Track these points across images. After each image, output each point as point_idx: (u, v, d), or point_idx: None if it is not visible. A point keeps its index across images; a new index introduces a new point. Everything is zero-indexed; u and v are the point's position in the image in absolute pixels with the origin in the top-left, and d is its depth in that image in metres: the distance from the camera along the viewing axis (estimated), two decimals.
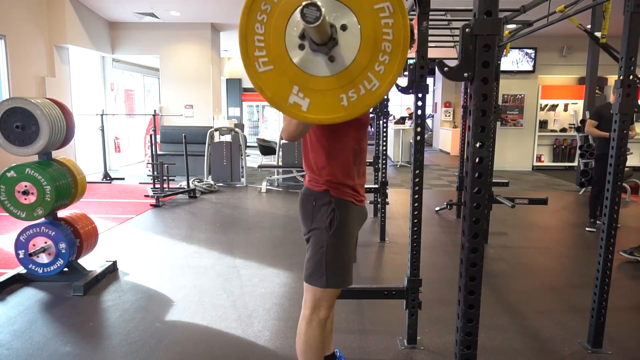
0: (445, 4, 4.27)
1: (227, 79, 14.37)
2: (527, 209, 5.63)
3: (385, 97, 4.15)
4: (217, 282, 3.31)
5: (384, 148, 4.57)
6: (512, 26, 4.59)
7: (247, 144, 8.55)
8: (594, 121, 4.79)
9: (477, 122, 1.19)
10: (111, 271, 3.46)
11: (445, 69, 1.19)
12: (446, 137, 13.57)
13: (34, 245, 3.11)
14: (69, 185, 3.15)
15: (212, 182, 7.08)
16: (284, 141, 7.25)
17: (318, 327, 1.70)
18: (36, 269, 3.14)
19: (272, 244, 4.33)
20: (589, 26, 6.92)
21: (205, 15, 8.63)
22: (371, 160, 5.44)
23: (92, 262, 3.48)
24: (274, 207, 5.95)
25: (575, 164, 9.43)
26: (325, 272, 1.64)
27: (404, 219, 5.22)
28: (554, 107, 10.01)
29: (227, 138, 7.65)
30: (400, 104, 17.41)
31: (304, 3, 1.10)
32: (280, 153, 7.52)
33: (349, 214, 1.68)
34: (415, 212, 2.33)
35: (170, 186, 6.73)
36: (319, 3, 1.09)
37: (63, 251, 3.11)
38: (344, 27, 1.21)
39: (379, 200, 4.69)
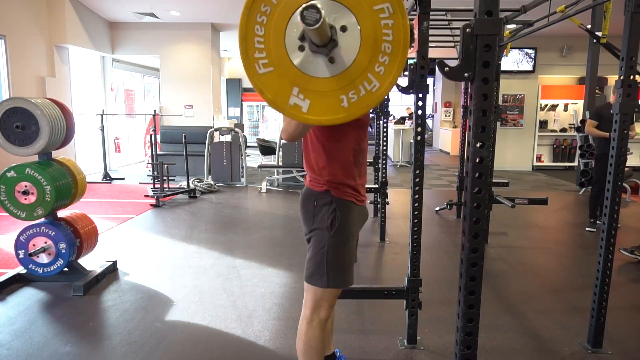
0: (445, 4, 4.27)
1: (227, 79, 14.37)
2: (527, 209, 5.63)
3: (386, 97, 4.15)
4: (217, 282, 3.31)
5: (384, 148, 4.57)
6: (512, 26, 4.59)
7: (247, 144, 8.55)
8: (594, 121, 4.79)
9: (478, 122, 1.19)
10: (111, 271, 3.46)
11: (446, 69, 1.19)
12: (446, 137, 13.57)
13: (34, 245, 3.11)
14: (69, 185, 3.15)
15: (212, 182, 7.08)
16: (284, 141, 7.25)
17: (318, 327, 1.70)
18: (36, 269, 3.14)
19: (272, 244, 4.33)
20: (589, 26, 6.91)
21: (205, 15, 8.63)
22: (371, 160, 5.44)
23: (92, 262, 3.48)
24: (274, 207, 5.95)
25: (575, 164, 9.43)
26: (326, 272, 1.65)
27: (404, 219, 5.22)
28: (554, 107, 10.01)
29: (227, 138, 7.65)
30: (400, 104, 17.41)
31: (303, 5, 1.10)
32: (280, 153, 7.52)
33: (350, 214, 1.68)
34: (416, 212, 2.33)
35: (170, 186, 6.73)
36: (318, 5, 1.09)
37: (63, 251, 3.11)
38: (343, 28, 1.21)
39: (379, 200, 4.69)
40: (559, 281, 3.53)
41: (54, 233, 3.10)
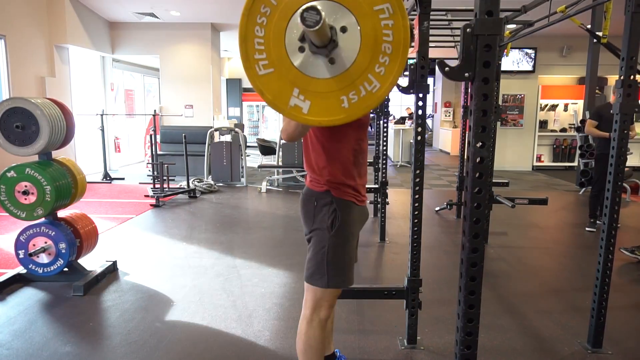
0: (446, 4, 4.27)
1: (227, 79, 14.37)
2: (527, 209, 5.63)
3: (386, 97, 4.14)
4: (217, 282, 3.31)
5: (384, 148, 4.57)
6: (512, 26, 4.59)
7: (247, 144, 8.55)
8: (594, 121, 4.79)
9: (478, 122, 1.19)
10: (111, 271, 3.46)
11: (446, 69, 1.19)
12: (446, 137, 13.57)
13: (34, 245, 3.11)
14: (69, 185, 3.15)
15: (212, 182, 7.08)
16: (283, 141, 7.25)
17: (318, 327, 1.70)
18: (36, 269, 3.14)
19: (272, 244, 4.33)
20: (589, 26, 6.91)
21: (205, 15, 8.63)
22: (371, 160, 5.44)
23: (92, 262, 3.48)
24: (274, 207, 5.95)
25: (575, 164, 9.43)
26: (327, 272, 1.65)
27: (404, 219, 5.22)
28: (554, 107, 10.01)
29: (227, 138, 7.65)
30: (400, 104, 17.41)
31: (303, 7, 1.10)
32: (280, 153, 7.52)
33: (351, 214, 1.68)
34: (416, 212, 2.33)
35: (170, 186, 6.73)
36: (318, 7, 1.09)
37: (63, 251, 3.11)
38: (343, 29, 1.21)
39: (379, 200, 4.69)
40: (559, 281, 3.53)
41: (54, 233, 3.10)
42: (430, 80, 15.19)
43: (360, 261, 3.33)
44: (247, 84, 14.02)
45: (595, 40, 3.55)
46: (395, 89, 1.57)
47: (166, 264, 3.72)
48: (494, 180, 4.92)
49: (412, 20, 2.13)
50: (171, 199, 6.29)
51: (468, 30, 1.15)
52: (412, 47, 2.11)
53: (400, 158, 10.61)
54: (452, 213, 5.58)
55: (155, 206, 5.77)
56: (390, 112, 4.78)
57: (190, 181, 6.70)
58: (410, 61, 1.91)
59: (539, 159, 10.09)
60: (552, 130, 10.02)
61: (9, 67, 6.42)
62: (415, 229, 2.35)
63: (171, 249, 4.12)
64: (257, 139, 8.66)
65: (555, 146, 10.08)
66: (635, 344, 2.53)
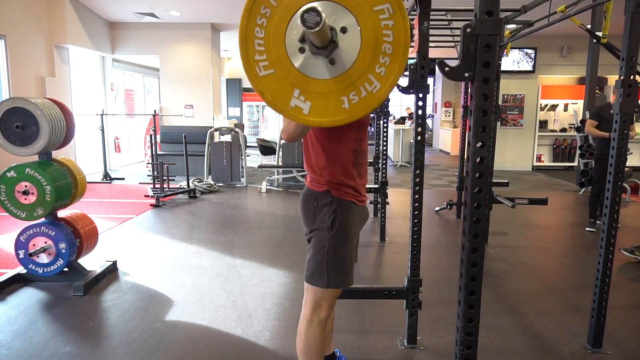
0: (446, 4, 4.27)
1: (227, 79, 14.37)
2: (527, 209, 5.63)
3: (386, 97, 4.14)
4: (217, 282, 3.31)
5: (384, 148, 4.57)
6: (512, 26, 4.59)
7: (247, 144, 8.55)
8: (594, 121, 4.79)
9: (478, 122, 1.19)
10: (111, 271, 3.46)
11: (446, 69, 1.19)
12: (446, 137, 13.57)
13: (34, 245, 3.11)
14: (69, 185, 3.15)
15: (212, 182, 7.08)
16: (283, 141, 7.25)
17: (318, 327, 1.70)
18: (36, 269, 3.14)
19: (272, 244, 4.33)
20: (589, 26, 6.91)
21: (205, 15, 8.63)
22: (371, 160, 5.44)
23: (92, 262, 3.48)
24: (274, 207, 5.95)
25: (575, 164, 9.43)
26: (327, 272, 1.65)
27: (404, 219, 5.22)
28: (554, 107, 10.01)
29: (227, 138, 7.66)
30: (400, 104, 17.41)
31: (303, 8, 1.10)
32: (280, 153, 7.52)
33: (351, 214, 1.68)
34: (416, 212, 2.33)
35: (170, 186, 6.73)
36: (319, 8, 1.09)
37: (63, 251, 3.11)
38: (344, 30, 1.21)
39: (379, 200, 4.69)
40: (559, 281, 3.53)
41: (54, 233, 3.10)
42: (430, 80, 15.19)
43: (360, 261, 3.33)
44: (247, 84, 14.02)
45: (595, 41, 3.55)
46: (395, 89, 1.57)
47: (166, 264, 3.72)
48: (494, 180, 4.92)
49: (412, 20, 2.13)
50: (171, 199, 6.29)
51: (468, 30, 1.15)
52: (412, 47, 2.11)
53: (400, 158, 10.61)
54: (452, 213, 5.58)
55: (155, 206, 5.77)
56: (390, 112, 4.78)
57: (190, 181, 6.70)
58: (410, 61, 1.91)
59: (539, 159, 10.09)
60: (552, 130, 10.03)
61: (9, 67, 6.42)
62: (415, 229, 2.35)
63: (171, 249, 4.12)
64: (257, 139, 8.66)
65: (555, 146, 10.08)
66: (635, 344, 2.53)
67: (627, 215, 5.61)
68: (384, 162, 4.55)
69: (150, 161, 6.87)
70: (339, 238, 1.65)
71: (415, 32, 2.15)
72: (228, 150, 7.46)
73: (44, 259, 3.13)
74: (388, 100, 4.38)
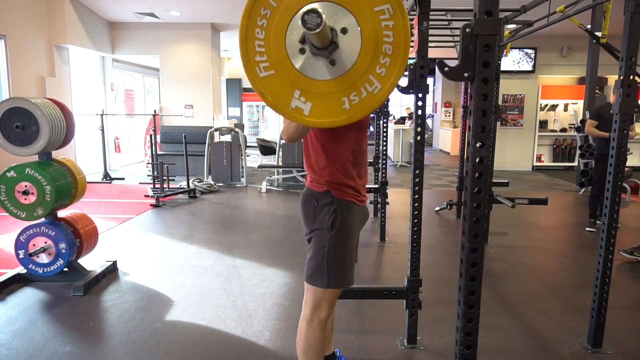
0: (445, 4, 4.27)
1: (227, 79, 14.37)
2: (527, 209, 5.63)
3: (387, 98, 4.14)
4: (217, 282, 3.31)
5: (384, 148, 4.57)
6: (512, 26, 4.60)
7: (247, 144, 8.55)
8: (594, 121, 4.79)
9: (478, 122, 1.19)
10: (111, 271, 3.46)
11: (446, 69, 1.19)
12: (446, 137, 13.58)
13: (34, 245, 3.11)
14: (69, 185, 3.15)
15: (212, 182, 7.08)
16: (283, 141, 7.25)
17: (318, 327, 1.70)
18: (36, 269, 3.14)
19: (272, 244, 4.33)
20: (588, 26, 6.92)
21: (205, 15, 8.63)
22: (371, 160, 5.44)
23: (92, 262, 3.48)
24: (274, 207, 5.95)
25: (575, 164, 9.43)
26: (327, 273, 1.65)
27: (404, 219, 5.22)
28: (554, 107, 10.01)
29: (227, 138, 7.66)
30: (400, 104, 17.41)
31: (304, 9, 1.10)
32: (280, 153, 7.52)
33: (351, 214, 1.68)
34: (415, 212, 2.34)
35: (170, 186, 6.73)
36: (319, 9, 1.09)
37: (63, 251, 3.11)
38: (344, 30, 1.21)
39: (379, 200, 4.69)
40: (559, 281, 3.53)
41: (54, 233, 3.10)
42: (430, 80, 15.19)
43: (360, 261, 3.32)
44: (247, 84, 14.02)
45: (594, 41, 3.54)
46: (395, 89, 1.57)
47: (166, 264, 3.72)
48: (494, 180, 4.92)
49: (412, 20, 2.13)
50: (171, 199, 6.29)
51: (467, 30, 1.15)
52: (412, 47, 2.11)
53: (400, 158, 10.62)
54: (452, 213, 5.58)
55: (155, 206, 5.78)
56: (390, 112, 4.78)
57: (190, 181, 6.70)
58: (410, 61, 1.91)
59: (539, 159, 10.09)
60: (552, 130, 10.03)
61: (9, 67, 6.42)
62: (415, 229, 2.35)
63: (171, 249, 4.12)
64: (257, 139, 8.66)
65: (555, 146, 10.08)
66: (635, 344, 2.53)
67: (627, 215, 5.61)
68: (384, 162, 4.55)
69: (150, 161, 6.87)
70: (339, 238, 1.65)
71: (415, 32, 2.15)
72: (228, 150, 7.46)
73: (44, 259, 3.14)
74: (388, 100, 4.38)
